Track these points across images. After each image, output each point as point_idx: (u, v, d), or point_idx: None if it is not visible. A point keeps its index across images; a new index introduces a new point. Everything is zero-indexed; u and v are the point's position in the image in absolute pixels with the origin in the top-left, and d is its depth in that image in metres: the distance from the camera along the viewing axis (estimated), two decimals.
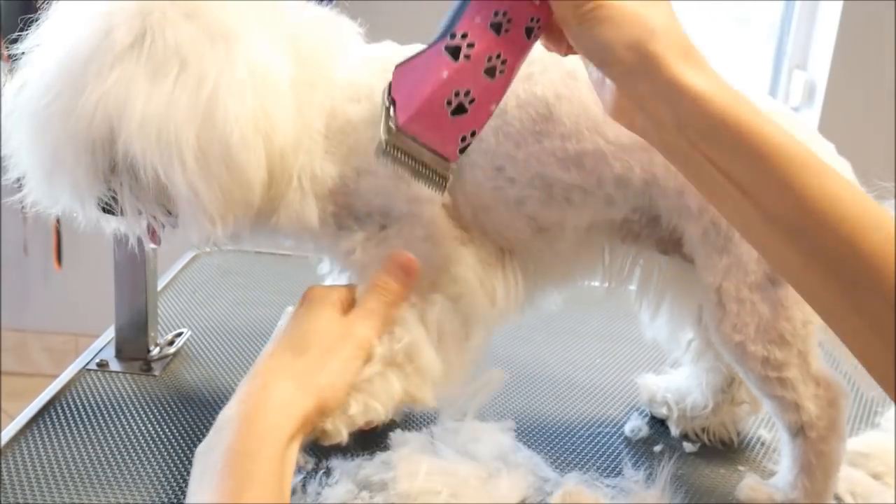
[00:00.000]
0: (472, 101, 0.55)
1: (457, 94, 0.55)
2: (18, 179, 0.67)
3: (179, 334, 1.00)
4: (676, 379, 0.91)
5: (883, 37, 2.11)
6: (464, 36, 0.54)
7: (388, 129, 0.56)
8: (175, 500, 0.71)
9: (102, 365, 0.91)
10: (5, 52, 2.34)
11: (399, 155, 0.56)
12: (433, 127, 0.56)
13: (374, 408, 0.62)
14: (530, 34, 0.55)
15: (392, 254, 0.66)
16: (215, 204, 0.64)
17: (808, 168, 0.52)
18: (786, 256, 0.54)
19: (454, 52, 0.54)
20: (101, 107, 0.61)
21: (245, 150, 0.63)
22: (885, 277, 0.49)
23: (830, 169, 0.52)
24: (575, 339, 1.10)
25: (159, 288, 1.05)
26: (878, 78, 2.15)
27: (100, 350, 0.94)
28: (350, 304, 0.65)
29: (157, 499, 0.71)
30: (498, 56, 0.55)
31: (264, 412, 0.57)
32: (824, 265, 0.51)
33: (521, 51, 0.56)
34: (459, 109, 0.55)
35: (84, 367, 0.91)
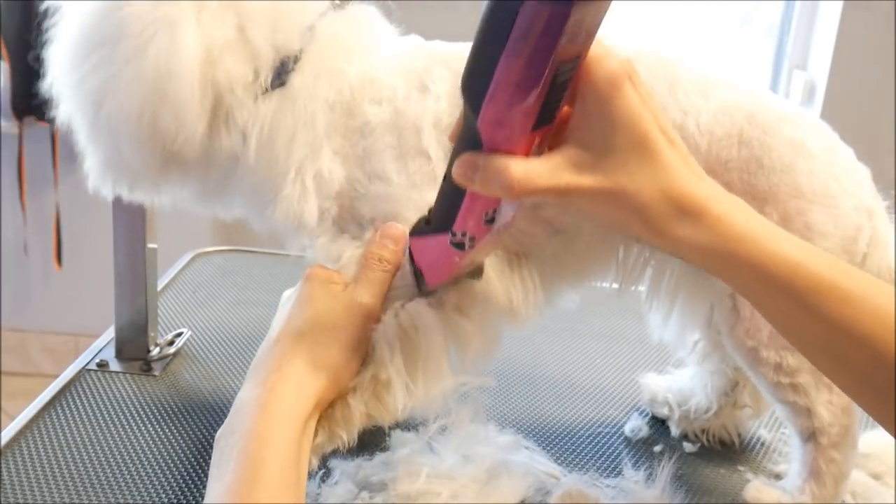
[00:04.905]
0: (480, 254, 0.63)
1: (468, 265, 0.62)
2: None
3: (179, 334, 0.99)
4: (679, 380, 0.91)
5: (883, 37, 2.11)
6: (464, 234, 0.59)
7: (422, 287, 0.65)
8: (175, 501, 0.71)
9: (102, 365, 0.91)
10: (5, 52, 2.33)
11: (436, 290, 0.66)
12: (456, 276, 0.65)
13: (338, 435, 0.65)
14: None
15: (381, 227, 0.67)
16: (110, 169, 0.70)
17: (830, 293, 0.51)
18: (818, 363, 0.54)
19: (460, 245, 0.59)
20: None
21: (128, 141, 0.65)
22: None
23: (854, 286, 0.51)
24: (575, 339, 1.10)
25: (159, 288, 1.05)
26: (878, 78, 2.15)
27: (100, 350, 0.94)
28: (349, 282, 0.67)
29: (156, 499, 0.71)
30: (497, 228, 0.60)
31: (279, 396, 0.59)
32: (855, 376, 0.52)
33: (514, 210, 0.60)
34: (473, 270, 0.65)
35: (84, 367, 0.91)
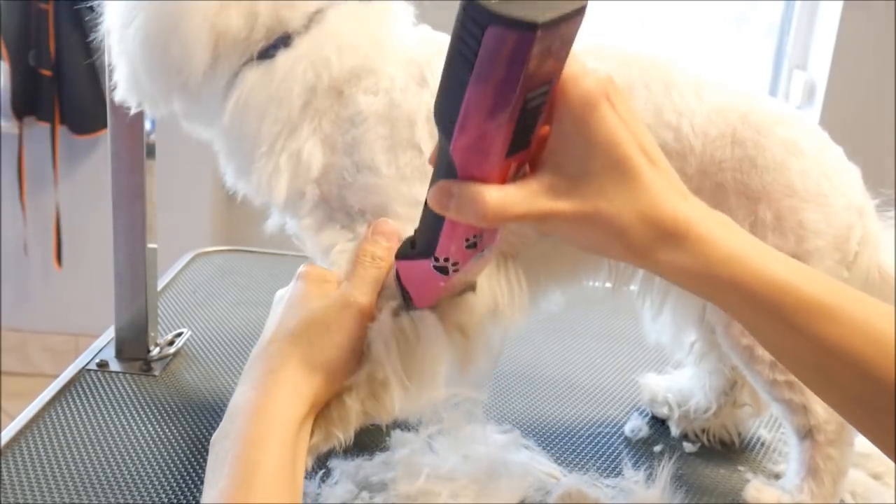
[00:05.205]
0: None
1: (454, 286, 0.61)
2: None
3: (179, 334, 1.00)
4: (679, 380, 0.91)
5: (883, 37, 2.11)
6: (446, 259, 0.57)
7: (410, 309, 0.64)
8: (175, 501, 0.71)
9: (102, 365, 0.91)
10: (5, 52, 2.33)
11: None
12: (443, 297, 0.63)
13: (335, 434, 0.63)
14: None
15: (374, 224, 0.67)
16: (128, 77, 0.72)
17: (818, 313, 0.50)
18: (807, 381, 0.54)
19: (443, 270, 0.58)
20: None
21: (141, 63, 0.69)
22: None
23: (844, 305, 0.50)
24: (575, 339, 1.10)
25: (159, 288, 1.05)
26: (878, 78, 2.15)
27: (100, 350, 0.94)
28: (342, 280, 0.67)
29: (156, 499, 0.71)
30: (481, 251, 0.59)
31: (273, 398, 0.58)
32: (844, 394, 0.51)
33: (498, 233, 0.59)
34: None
35: (84, 367, 0.91)
